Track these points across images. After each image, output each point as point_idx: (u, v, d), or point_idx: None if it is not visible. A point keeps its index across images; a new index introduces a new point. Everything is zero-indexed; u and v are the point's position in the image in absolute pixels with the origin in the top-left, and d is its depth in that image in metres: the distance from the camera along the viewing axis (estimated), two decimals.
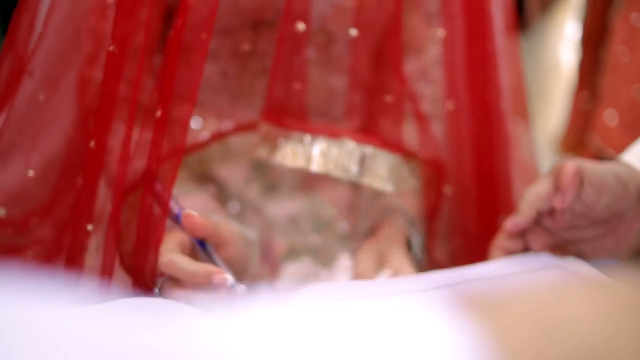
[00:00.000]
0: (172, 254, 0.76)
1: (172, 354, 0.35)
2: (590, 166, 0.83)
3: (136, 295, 0.77)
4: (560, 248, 0.85)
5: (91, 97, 0.89)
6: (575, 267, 0.82)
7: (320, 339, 0.36)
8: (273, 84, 0.90)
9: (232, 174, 0.97)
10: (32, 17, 0.94)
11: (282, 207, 0.99)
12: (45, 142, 0.94)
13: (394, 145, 0.94)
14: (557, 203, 0.82)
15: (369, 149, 0.93)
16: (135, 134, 0.81)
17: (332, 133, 0.93)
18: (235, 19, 0.93)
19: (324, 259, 0.96)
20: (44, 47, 0.93)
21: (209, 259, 0.78)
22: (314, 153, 0.92)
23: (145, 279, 0.78)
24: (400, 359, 0.35)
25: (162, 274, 0.77)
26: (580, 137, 1.53)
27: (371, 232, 0.97)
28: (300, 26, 0.91)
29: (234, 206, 0.98)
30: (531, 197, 0.84)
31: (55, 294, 0.41)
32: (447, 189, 0.98)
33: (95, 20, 0.90)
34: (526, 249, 0.86)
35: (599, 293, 0.42)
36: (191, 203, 0.84)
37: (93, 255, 0.82)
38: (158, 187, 0.78)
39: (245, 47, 0.96)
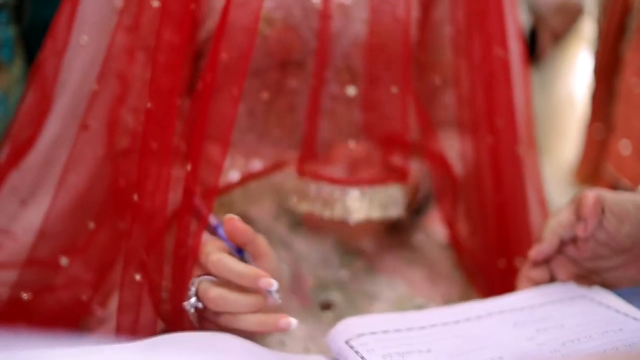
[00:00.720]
0: (220, 253, 0.77)
1: None
2: (610, 195, 0.85)
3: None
4: (586, 277, 0.87)
5: (121, 137, 0.92)
6: (600, 297, 0.83)
7: None
8: (310, 128, 0.91)
9: (261, 210, 0.99)
10: (59, 56, 0.96)
11: (310, 242, 1.01)
12: (70, 180, 0.96)
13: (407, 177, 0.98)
14: (580, 231, 0.84)
15: (394, 189, 0.96)
16: (167, 173, 0.82)
17: (361, 181, 0.96)
18: (265, 60, 0.96)
19: (353, 293, 0.98)
20: (70, 87, 0.96)
21: None
22: (350, 205, 0.95)
23: (183, 319, 0.78)
24: None
25: (198, 275, 0.78)
26: (594, 167, 1.55)
27: None
28: (327, 64, 0.95)
29: None
30: (554, 226, 0.86)
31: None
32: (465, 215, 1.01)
33: (124, 63, 0.92)
34: (552, 279, 0.88)
35: None
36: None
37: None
38: (196, 201, 0.80)
39: (273, 86, 0.98)
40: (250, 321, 0.74)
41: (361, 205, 0.96)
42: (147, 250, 0.79)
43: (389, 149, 1.01)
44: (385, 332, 0.76)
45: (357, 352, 0.73)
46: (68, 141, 0.97)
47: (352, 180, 0.97)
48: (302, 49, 0.96)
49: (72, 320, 0.89)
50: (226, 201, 0.98)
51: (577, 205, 0.85)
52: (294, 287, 0.96)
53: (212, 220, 0.81)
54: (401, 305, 0.96)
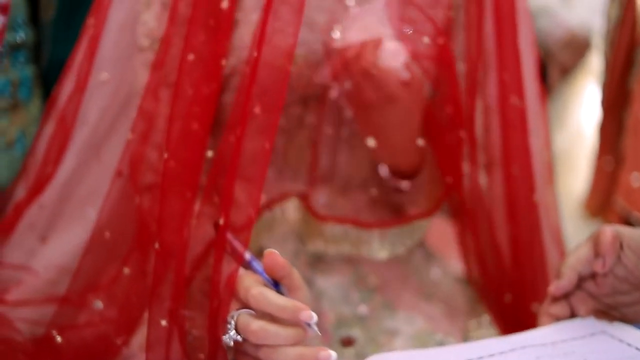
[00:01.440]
0: (261, 286, 0.77)
1: None
2: (628, 231, 0.86)
3: None
4: (606, 313, 0.88)
5: (145, 174, 0.93)
6: (621, 333, 0.84)
7: None
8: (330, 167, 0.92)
9: (280, 247, 1.00)
10: (78, 92, 0.98)
11: (330, 278, 1.01)
12: (89, 215, 0.97)
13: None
14: (598, 267, 0.85)
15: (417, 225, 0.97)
16: (191, 210, 0.84)
17: (385, 223, 0.97)
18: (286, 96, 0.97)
19: (373, 329, 0.98)
20: (89, 123, 0.98)
21: None
22: (375, 245, 0.96)
23: (217, 355, 0.79)
24: None
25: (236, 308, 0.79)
26: (605, 200, 1.56)
27: None
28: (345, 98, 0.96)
29: None
30: (572, 262, 0.87)
31: None
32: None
33: (147, 101, 0.94)
34: (572, 315, 0.88)
35: None
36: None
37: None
38: (229, 236, 0.80)
39: (294, 121, 0.99)
40: (290, 354, 0.74)
41: (384, 245, 0.97)
42: (173, 294, 0.80)
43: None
44: None
45: None
46: (86, 177, 0.98)
47: (376, 222, 0.98)
48: (321, 82, 0.97)
49: (97, 358, 0.89)
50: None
51: (595, 242, 0.86)
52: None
53: (246, 254, 0.82)
54: (421, 341, 0.96)
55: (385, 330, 0.98)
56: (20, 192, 1.02)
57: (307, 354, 0.74)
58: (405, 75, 0.94)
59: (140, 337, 0.88)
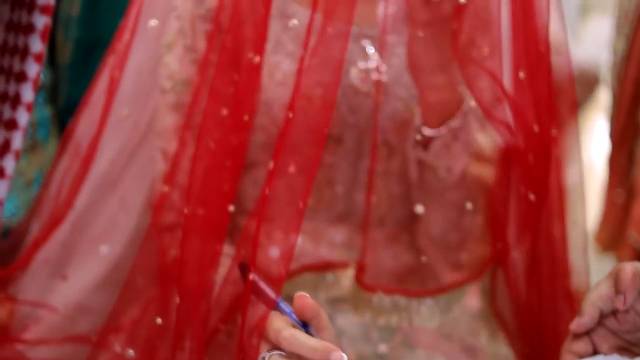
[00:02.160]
0: (292, 328, 0.78)
1: None
2: None
3: None
4: (627, 349, 0.88)
5: (167, 213, 0.93)
6: None
7: None
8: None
9: (300, 285, 1.00)
10: (98, 127, 0.99)
11: (350, 317, 1.02)
12: (104, 251, 0.98)
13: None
14: (619, 304, 0.85)
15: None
16: (217, 251, 0.84)
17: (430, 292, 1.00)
18: (304, 136, 0.98)
19: None
20: (107, 159, 0.98)
21: None
22: (424, 314, 0.99)
23: None
24: None
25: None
26: (616, 233, 1.56)
27: None
28: (365, 139, 0.97)
29: None
30: (593, 298, 0.88)
31: None
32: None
33: (167, 142, 0.95)
34: (595, 352, 0.88)
35: None
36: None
37: None
38: (254, 277, 0.81)
39: None
40: None
41: (434, 313, 0.98)
42: (193, 336, 0.81)
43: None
44: None
45: None
46: (101, 212, 0.99)
47: (425, 290, 1.00)
48: (340, 124, 0.98)
49: None
50: None
51: (616, 278, 0.87)
52: None
53: (272, 294, 0.82)
54: None
55: None
56: (34, 228, 1.03)
57: None
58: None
59: None
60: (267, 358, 0.77)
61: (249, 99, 0.87)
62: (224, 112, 0.86)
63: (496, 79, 0.94)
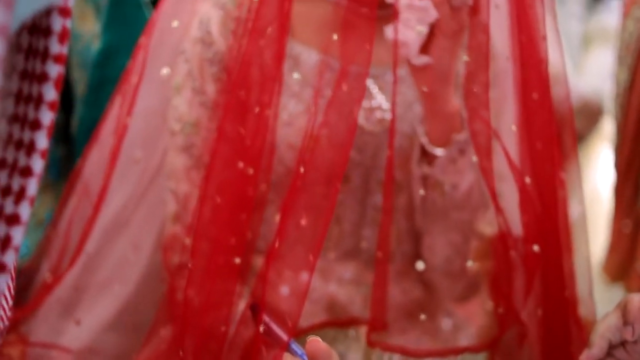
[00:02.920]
0: None
1: None
2: None
3: None
4: None
5: (176, 253, 0.95)
6: None
7: None
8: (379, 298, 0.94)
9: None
10: (109, 168, 1.00)
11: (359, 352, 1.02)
12: (116, 291, 0.99)
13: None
14: (627, 335, 0.86)
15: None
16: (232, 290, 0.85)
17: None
18: (310, 175, 0.99)
19: None
20: (119, 200, 1.00)
21: None
22: None
23: None
24: None
25: None
26: (624, 264, 1.56)
27: None
28: (370, 176, 0.99)
29: None
30: (602, 330, 0.88)
31: None
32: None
33: (177, 183, 0.96)
34: None
35: None
36: None
37: None
38: (266, 318, 0.82)
39: (317, 199, 1.01)
40: None
41: None
42: None
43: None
44: None
45: None
46: (112, 253, 1.00)
47: (427, 351, 1.01)
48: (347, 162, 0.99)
49: None
50: None
51: (624, 309, 0.87)
52: None
53: (283, 336, 0.83)
54: None
55: None
56: (43, 267, 1.04)
57: None
58: None
59: None
60: None
61: (258, 153, 0.88)
62: (234, 159, 0.87)
63: (497, 136, 0.96)
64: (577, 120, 1.76)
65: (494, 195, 0.94)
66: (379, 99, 1.00)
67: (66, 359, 0.98)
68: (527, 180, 0.96)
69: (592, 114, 1.84)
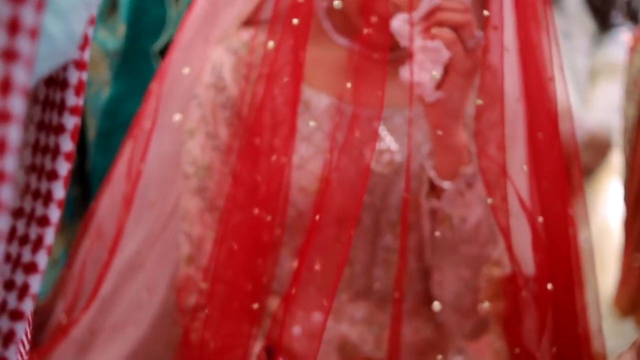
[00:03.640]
0: None
1: None
2: None
3: None
4: None
5: (190, 295, 0.96)
6: None
7: None
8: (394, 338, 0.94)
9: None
10: (124, 211, 1.01)
11: None
12: (130, 333, 0.99)
13: None
14: None
15: None
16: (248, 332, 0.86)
17: None
18: (321, 217, 1.00)
19: None
20: (134, 243, 1.01)
21: None
22: None
23: None
24: None
25: None
26: (636, 298, 1.56)
27: None
28: (381, 217, 1.00)
29: None
30: None
31: None
32: None
33: (190, 225, 0.97)
34: None
35: None
36: None
37: None
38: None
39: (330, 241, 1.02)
40: None
41: None
42: None
43: None
44: None
45: None
46: (126, 295, 1.01)
47: None
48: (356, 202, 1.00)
49: None
50: None
51: (638, 348, 0.88)
52: None
53: None
54: None
55: None
56: (59, 307, 1.05)
57: None
58: None
59: None
60: None
61: (274, 199, 0.89)
62: (250, 205, 0.89)
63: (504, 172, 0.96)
64: (585, 153, 1.77)
65: (507, 235, 0.95)
66: (388, 141, 1.02)
67: None
68: (540, 219, 0.96)
69: (600, 148, 1.85)
